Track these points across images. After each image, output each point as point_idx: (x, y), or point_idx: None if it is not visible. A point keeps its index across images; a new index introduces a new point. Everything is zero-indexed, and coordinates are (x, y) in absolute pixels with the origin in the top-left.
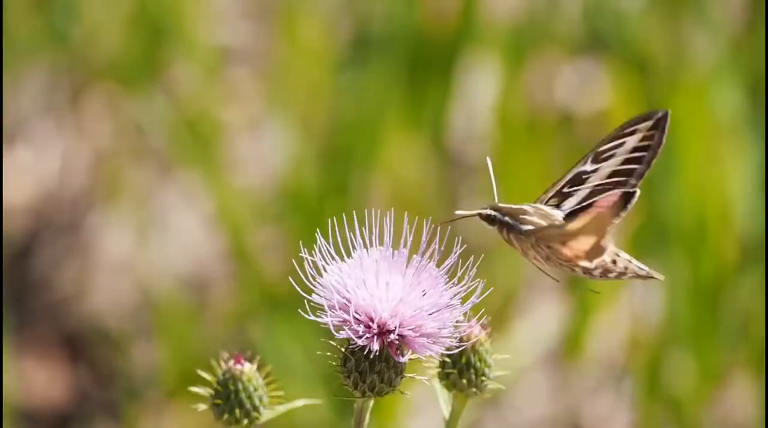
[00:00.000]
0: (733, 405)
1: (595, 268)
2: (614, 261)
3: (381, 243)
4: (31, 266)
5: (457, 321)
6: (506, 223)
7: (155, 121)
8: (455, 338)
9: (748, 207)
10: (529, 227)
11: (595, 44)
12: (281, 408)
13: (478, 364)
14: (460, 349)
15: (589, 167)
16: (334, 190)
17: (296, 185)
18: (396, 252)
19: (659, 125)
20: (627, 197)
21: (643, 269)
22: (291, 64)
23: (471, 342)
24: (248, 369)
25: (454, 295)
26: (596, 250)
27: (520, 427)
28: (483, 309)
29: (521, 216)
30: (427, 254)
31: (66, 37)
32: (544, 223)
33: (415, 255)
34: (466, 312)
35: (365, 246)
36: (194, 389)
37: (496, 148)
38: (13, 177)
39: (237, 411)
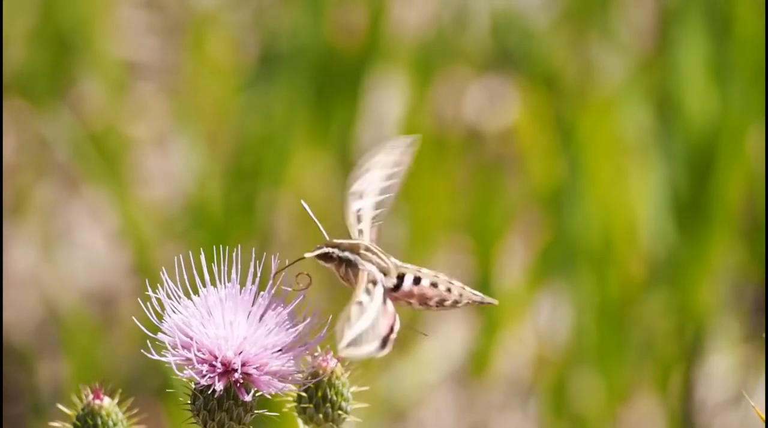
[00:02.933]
0: (639, 423)
1: (431, 298)
2: (449, 290)
3: (229, 279)
4: None
5: (309, 356)
6: (346, 259)
7: (61, 136)
8: (304, 374)
9: (655, 225)
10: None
11: (503, 61)
12: None
13: (335, 398)
14: (316, 383)
15: (358, 204)
16: (241, 207)
17: (202, 201)
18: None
19: (405, 153)
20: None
21: (476, 294)
22: (198, 80)
23: (321, 376)
24: (107, 403)
25: (299, 332)
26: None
27: None
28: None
29: (361, 252)
30: (274, 290)
31: None
32: (383, 263)
33: (262, 293)
34: (320, 346)
35: (213, 283)
36: (54, 424)
37: None
38: None
39: None
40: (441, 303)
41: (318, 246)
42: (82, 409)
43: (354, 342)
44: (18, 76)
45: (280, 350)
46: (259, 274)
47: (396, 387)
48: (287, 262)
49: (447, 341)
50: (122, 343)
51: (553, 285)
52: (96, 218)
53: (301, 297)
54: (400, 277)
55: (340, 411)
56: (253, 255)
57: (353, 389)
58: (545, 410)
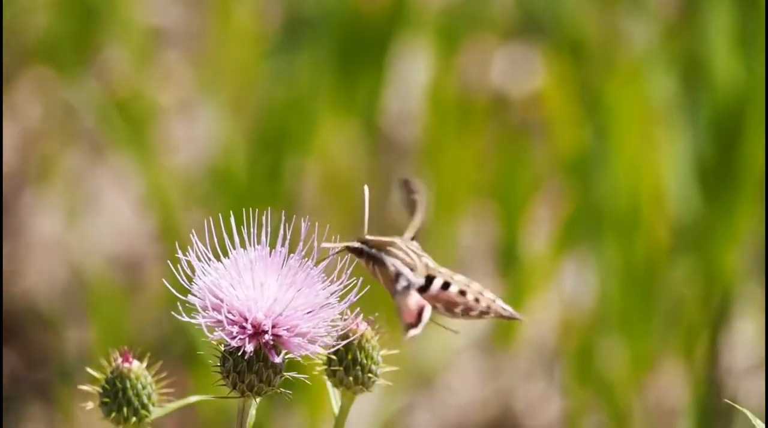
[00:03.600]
0: (665, 391)
1: (457, 306)
2: (477, 300)
3: (258, 242)
4: None
5: (338, 319)
6: (373, 256)
7: (87, 103)
8: (334, 337)
9: (681, 192)
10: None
11: (529, 27)
12: (172, 406)
13: (365, 361)
14: (346, 346)
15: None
16: (266, 173)
17: (227, 168)
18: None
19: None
20: None
21: (506, 309)
22: (223, 47)
23: (351, 340)
24: (136, 367)
25: (331, 294)
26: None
27: (452, 411)
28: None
29: (388, 249)
30: (304, 252)
31: None
32: (409, 259)
33: (292, 255)
34: (350, 310)
35: (242, 245)
36: (83, 387)
37: (429, 131)
38: None
39: (125, 410)
40: (467, 312)
41: (353, 240)
42: (111, 372)
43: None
44: (43, 44)
45: (310, 312)
46: (288, 237)
47: (422, 353)
48: (331, 246)
49: None
50: (148, 308)
51: (579, 251)
52: (121, 185)
53: (331, 258)
54: (429, 279)
55: (369, 374)
56: (283, 217)
57: (383, 352)
58: (570, 376)
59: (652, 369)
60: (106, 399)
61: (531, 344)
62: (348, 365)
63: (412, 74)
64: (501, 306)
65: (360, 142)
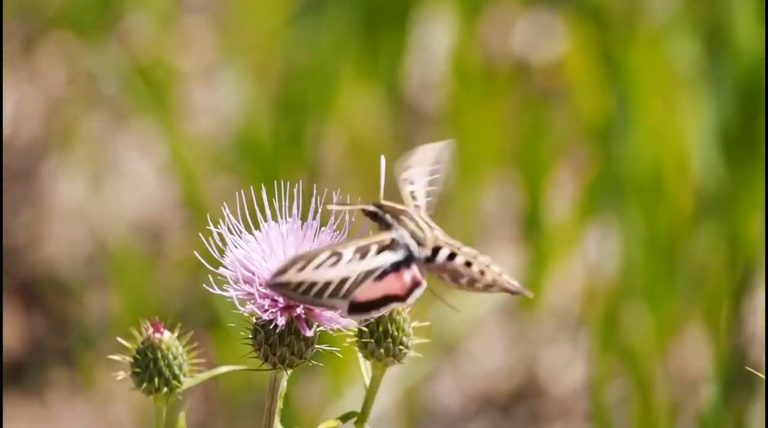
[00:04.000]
0: (688, 358)
1: (462, 277)
2: (482, 273)
3: (290, 215)
4: None
5: None
6: (385, 221)
7: (109, 69)
8: None
9: (704, 158)
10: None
11: None
12: (202, 376)
13: (396, 333)
14: (377, 318)
15: (413, 187)
16: (289, 139)
17: (251, 134)
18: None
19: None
20: None
21: (512, 284)
22: (246, 12)
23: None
24: (167, 337)
25: None
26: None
27: (476, 378)
28: None
29: (400, 217)
30: (336, 225)
31: None
32: (419, 232)
33: (324, 228)
34: None
35: (274, 218)
36: (113, 357)
37: (452, 97)
38: None
39: (156, 380)
40: (472, 284)
41: (369, 203)
42: (142, 343)
43: (297, 286)
44: (66, 9)
45: None
46: (320, 210)
47: (446, 320)
48: (339, 201)
49: None
50: (170, 276)
51: (602, 218)
52: (144, 151)
53: (363, 229)
54: (436, 250)
55: (401, 347)
56: (314, 190)
57: (413, 324)
58: (594, 343)
59: (675, 336)
60: (138, 370)
61: (555, 311)
62: (379, 337)
63: (435, 40)
64: (506, 280)
65: (382, 108)
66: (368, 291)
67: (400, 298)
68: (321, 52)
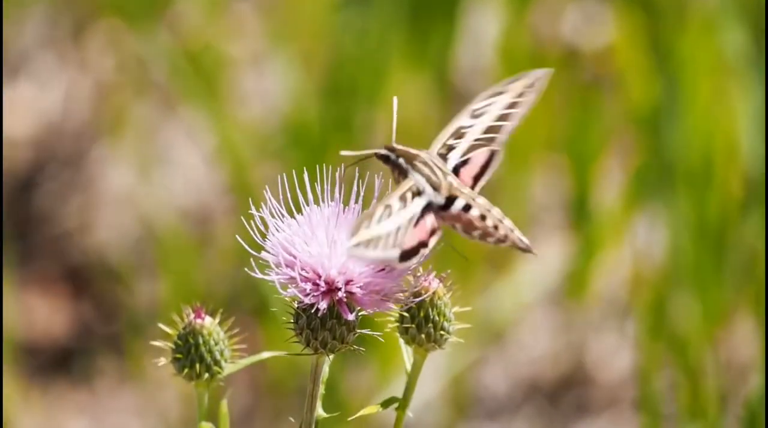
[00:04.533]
0: (737, 345)
1: (475, 229)
2: (496, 227)
3: (332, 199)
4: (33, 200)
5: (412, 276)
6: (399, 165)
7: (158, 56)
8: (406, 294)
9: (754, 146)
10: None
11: None
12: (244, 362)
13: (437, 318)
14: (419, 303)
15: (466, 122)
16: (337, 126)
17: (299, 120)
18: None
19: (535, 85)
20: (493, 155)
21: (522, 241)
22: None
23: (423, 297)
24: (209, 323)
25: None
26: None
27: (523, 365)
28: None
29: (413, 161)
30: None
31: None
32: (435, 177)
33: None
34: (422, 267)
35: (316, 202)
36: (155, 343)
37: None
38: (17, 111)
39: (197, 366)
40: (484, 237)
41: (382, 147)
42: (184, 328)
43: (367, 244)
44: None
45: (383, 269)
46: (362, 194)
47: (493, 307)
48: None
49: (544, 262)
50: (218, 262)
51: (651, 205)
52: (192, 138)
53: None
54: (451, 199)
55: (442, 332)
56: (357, 174)
57: (455, 309)
58: (642, 331)
59: (724, 324)
60: (179, 355)
61: (603, 298)
62: (420, 322)
63: (484, 27)
64: (518, 236)
65: (431, 95)
66: (410, 238)
67: (425, 244)
68: (369, 38)
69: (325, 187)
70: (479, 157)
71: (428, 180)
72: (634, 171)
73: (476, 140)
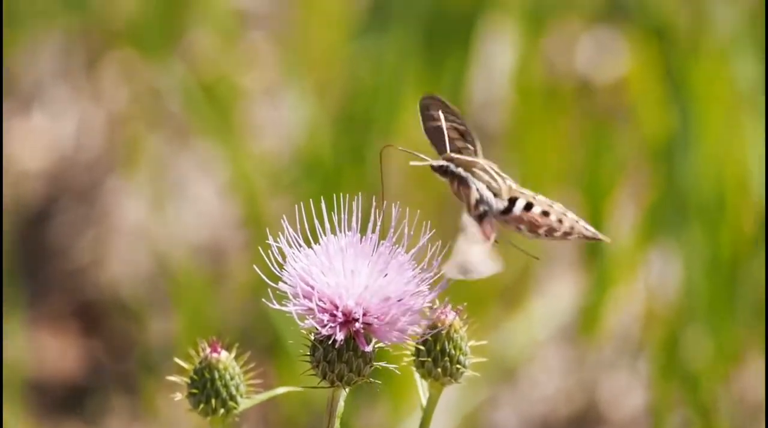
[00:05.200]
0: (750, 383)
1: (540, 226)
2: (560, 221)
3: (349, 228)
4: (46, 232)
5: (428, 308)
6: (458, 176)
7: (172, 87)
8: (423, 327)
9: (766, 179)
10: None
11: (614, 12)
12: (260, 397)
13: (453, 352)
14: (435, 337)
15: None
16: (351, 158)
17: (313, 152)
18: (367, 237)
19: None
20: None
21: (588, 229)
22: (309, 30)
23: (440, 329)
24: (224, 357)
25: (422, 282)
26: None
27: (535, 403)
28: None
29: (473, 169)
30: (395, 238)
31: (83, 1)
32: (495, 183)
33: (383, 241)
34: (439, 299)
35: (333, 232)
36: (170, 378)
37: (515, 115)
38: (30, 142)
39: (213, 401)
40: (550, 233)
41: (438, 159)
42: (199, 363)
43: (462, 271)
44: (130, 27)
45: (400, 300)
46: (379, 223)
47: (506, 343)
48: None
49: (557, 298)
50: (232, 297)
51: (664, 240)
52: (206, 170)
53: (423, 242)
54: (512, 201)
55: (458, 366)
56: (373, 204)
57: (470, 343)
58: (655, 368)
59: (737, 361)
60: (194, 390)
61: (615, 335)
62: (437, 356)
63: (498, 58)
64: (584, 226)
65: None
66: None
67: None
68: (383, 69)
69: (342, 216)
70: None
71: (488, 186)
72: (647, 205)
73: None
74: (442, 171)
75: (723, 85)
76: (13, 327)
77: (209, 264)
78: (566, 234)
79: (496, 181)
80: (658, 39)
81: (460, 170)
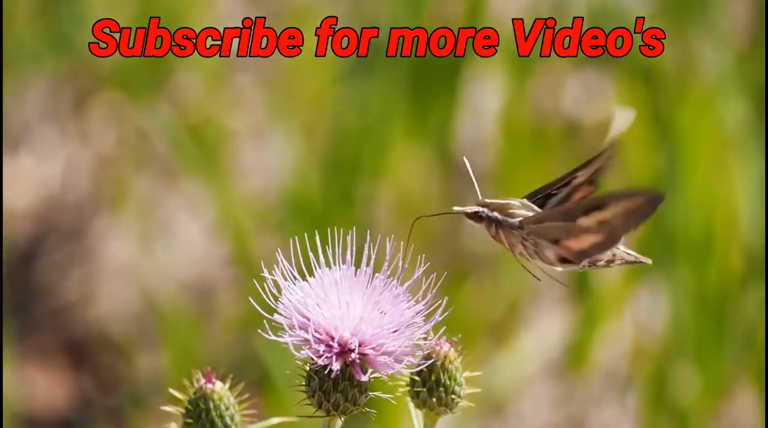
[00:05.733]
0: (738, 418)
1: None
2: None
3: (344, 261)
4: (34, 272)
5: (422, 339)
6: (495, 219)
7: (159, 128)
8: (419, 356)
9: (754, 218)
10: (528, 213)
11: (601, 53)
12: (255, 427)
13: (448, 382)
14: (430, 367)
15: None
16: (339, 199)
17: (300, 193)
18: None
19: (652, 204)
20: (654, 201)
21: (630, 254)
22: (295, 72)
23: (435, 360)
24: (219, 387)
25: (416, 313)
26: (596, 250)
27: None
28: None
29: (509, 211)
30: (389, 271)
31: (70, 43)
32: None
33: (378, 274)
34: (433, 331)
35: (327, 264)
36: (165, 408)
37: (502, 157)
38: (17, 183)
39: None
40: (593, 264)
41: (471, 205)
42: (194, 393)
43: None
44: (117, 69)
45: (396, 331)
46: (373, 256)
47: (494, 378)
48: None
49: (545, 333)
50: (220, 334)
51: (652, 277)
52: (193, 210)
53: (418, 274)
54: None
55: (453, 396)
56: (368, 237)
57: (464, 374)
58: (643, 403)
59: (725, 397)
60: (189, 420)
61: (603, 370)
62: (432, 386)
63: (485, 100)
64: (625, 251)
65: (432, 168)
66: None
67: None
68: (370, 110)
69: (337, 250)
70: (581, 193)
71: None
72: (635, 243)
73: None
74: (477, 217)
75: (709, 125)
76: (2, 363)
77: (197, 302)
78: (609, 261)
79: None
80: (645, 80)
81: (496, 214)
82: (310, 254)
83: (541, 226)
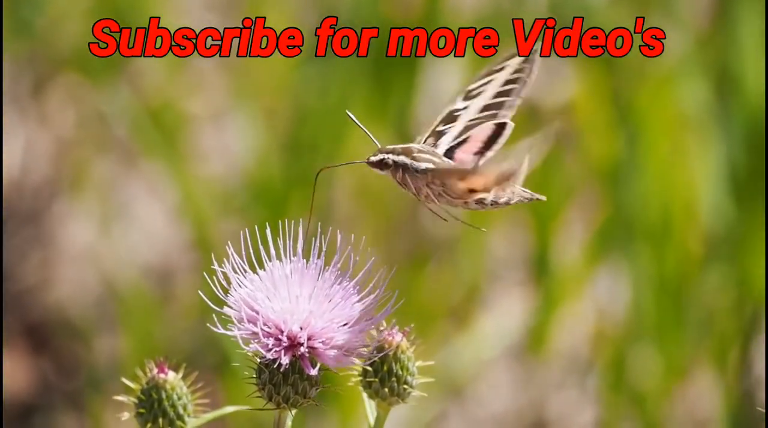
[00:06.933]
0: (697, 400)
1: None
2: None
3: (294, 254)
4: None
5: (375, 330)
6: (402, 164)
7: (119, 112)
8: (369, 348)
9: (713, 201)
10: (429, 165)
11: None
12: (207, 416)
13: (401, 372)
14: (382, 358)
15: (460, 105)
16: (299, 181)
17: (261, 176)
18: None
19: (531, 59)
20: (500, 128)
21: (526, 192)
22: (255, 57)
23: (387, 350)
24: (172, 377)
25: (365, 307)
26: (502, 181)
27: (483, 421)
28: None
29: (413, 155)
30: (340, 264)
31: (29, 27)
32: (437, 160)
33: (327, 267)
34: (386, 320)
35: (278, 257)
36: (118, 398)
37: None
38: None
39: (160, 421)
40: (495, 203)
41: (373, 153)
42: (147, 383)
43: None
44: (77, 52)
45: (345, 324)
46: (324, 249)
47: (454, 362)
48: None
49: (504, 316)
50: (180, 319)
51: (612, 261)
52: (154, 194)
53: (368, 267)
54: None
55: (405, 386)
56: (319, 229)
57: (417, 363)
58: (603, 386)
59: (684, 379)
60: (142, 410)
61: (563, 353)
62: (383, 376)
63: (444, 82)
64: (521, 189)
65: None
66: None
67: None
68: (330, 94)
69: (288, 242)
70: (480, 132)
71: (432, 164)
72: (595, 226)
73: (471, 120)
74: (381, 165)
75: (669, 109)
76: None
77: (157, 286)
78: (509, 200)
79: (437, 158)
80: (605, 64)
81: (402, 158)
82: (261, 247)
83: (443, 171)
